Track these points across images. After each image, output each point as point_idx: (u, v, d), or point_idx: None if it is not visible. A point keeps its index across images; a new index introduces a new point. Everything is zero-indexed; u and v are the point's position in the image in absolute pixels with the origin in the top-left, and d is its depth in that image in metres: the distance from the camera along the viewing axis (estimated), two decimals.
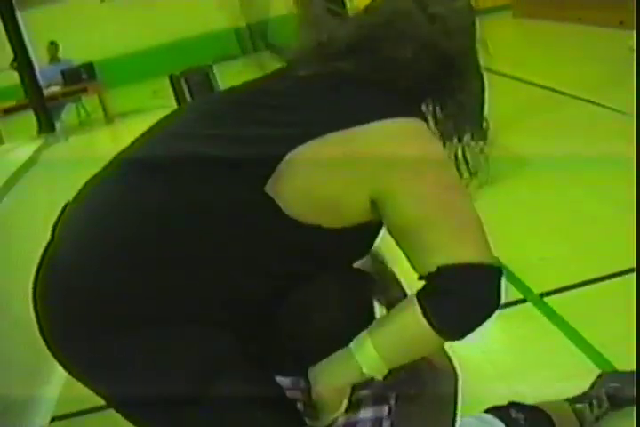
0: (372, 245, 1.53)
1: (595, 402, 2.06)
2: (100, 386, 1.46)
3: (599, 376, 2.17)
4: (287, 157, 1.34)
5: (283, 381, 1.51)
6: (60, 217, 1.52)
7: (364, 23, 1.51)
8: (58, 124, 9.13)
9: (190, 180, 1.40)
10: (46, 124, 7.90)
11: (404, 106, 1.44)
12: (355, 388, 1.50)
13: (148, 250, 1.39)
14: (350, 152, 1.36)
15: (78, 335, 1.42)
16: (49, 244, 1.50)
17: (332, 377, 1.45)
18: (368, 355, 1.41)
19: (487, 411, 1.96)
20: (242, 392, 1.41)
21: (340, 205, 1.39)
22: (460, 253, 1.38)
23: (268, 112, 1.44)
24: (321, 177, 1.36)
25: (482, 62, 1.57)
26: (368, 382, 1.52)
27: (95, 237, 1.42)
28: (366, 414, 1.53)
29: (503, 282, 1.41)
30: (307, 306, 1.50)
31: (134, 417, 1.48)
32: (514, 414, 1.93)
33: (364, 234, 1.47)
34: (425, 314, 1.37)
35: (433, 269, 1.38)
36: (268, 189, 1.35)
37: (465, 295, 1.38)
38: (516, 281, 2.97)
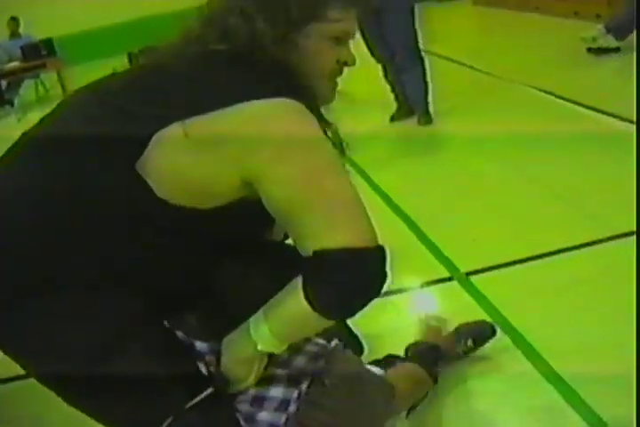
0: (266, 220, 1.48)
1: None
2: (10, 355, 1.49)
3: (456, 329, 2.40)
4: (155, 136, 1.34)
5: (202, 346, 1.56)
6: None
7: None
8: (15, 100, 9.07)
9: (67, 160, 1.41)
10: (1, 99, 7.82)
11: (276, 86, 1.40)
12: (273, 364, 1.57)
13: (43, 229, 1.41)
14: (217, 133, 1.35)
15: None
16: None
17: (233, 350, 1.51)
18: (262, 332, 1.46)
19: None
20: (146, 362, 1.45)
21: (210, 185, 1.38)
22: (334, 237, 1.37)
23: (142, 93, 1.44)
24: (190, 157, 1.35)
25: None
26: (287, 362, 1.59)
27: None
28: (276, 392, 1.59)
29: (384, 264, 1.42)
30: (225, 277, 1.56)
31: (49, 387, 1.51)
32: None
33: (247, 211, 1.43)
34: (306, 297, 1.40)
35: (309, 253, 1.39)
36: (139, 168, 1.35)
37: (340, 280, 1.39)
38: (444, 260, 3.04)
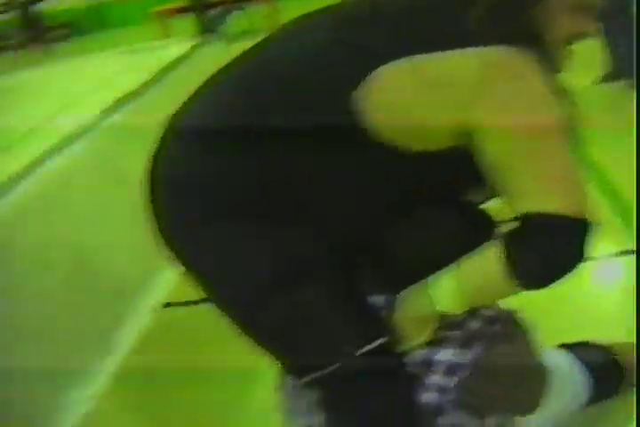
0: (470, 178, 1.45)
1: None
2: (194, 278, 1.51)
3: None
4: (380, 69, 1.32)
5: (377, 299, 1.55)
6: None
7: None
8: (220, 28, 9.23)
9: (273, 88, 1.41)
10: (207, 26, 7.97)
11: (510, 35, 1.34)
12: (445, 327, 1.53)
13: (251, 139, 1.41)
14: (445, 74, 1.31)
15: (180, 224, 1.48)
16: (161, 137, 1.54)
17: (410, 306, 1.50)
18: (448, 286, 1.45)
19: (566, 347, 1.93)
20: (327, 299, 1.45)
21: (426, 127, 1.35)
22: (548, 202, 1.34)
23: (365, 24, 1.41)
24: (411, 95, 1.33)
25: None
26: (460, 324, 1.54)
27: (196, 127, 1.46)
28: (446, 355, 1.54)
29: (589, 238, 1.37)
30: (414, 232, 1.52)
31: (226, 312, 1.52)
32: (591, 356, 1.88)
33: (459, 161, 1.40)
34: (507, 259, 1.37)
35: (521, 213, 1.36)
36: (354, 101, 1.33)
37: (545, 247, 1.36)
38: None
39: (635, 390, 1.91)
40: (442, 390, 1.52)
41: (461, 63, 1.31)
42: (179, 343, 2.77)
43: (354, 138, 1.36)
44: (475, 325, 1.56)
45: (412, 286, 1.50)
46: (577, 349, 1.92)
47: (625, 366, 1.94)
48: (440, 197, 1.50)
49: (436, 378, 1.52)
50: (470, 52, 1.31)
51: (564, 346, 1.94)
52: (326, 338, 1.46)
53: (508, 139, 1.32)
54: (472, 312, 1.55)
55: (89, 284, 2.75)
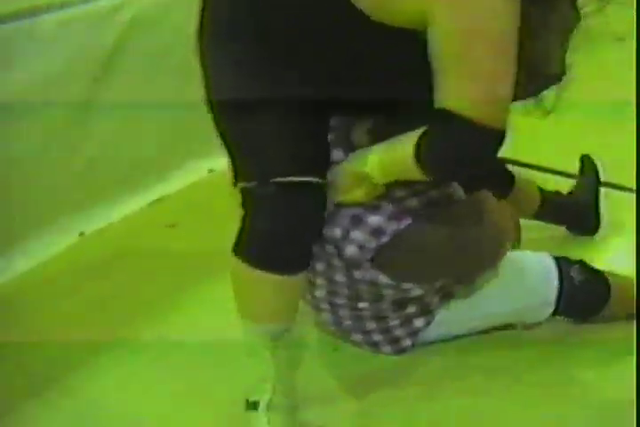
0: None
1: None
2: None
3: None
4: None
5: (337, 154, 1.70)
6: None
7: None
8: None
9: None
10: None
11: None
12: (385, 197, 1.70)
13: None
14: None
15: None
16: None
17: (350, 162, 1.65)
18: (373, 159, 1.59)
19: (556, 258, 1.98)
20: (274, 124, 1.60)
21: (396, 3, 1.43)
22: (470, 105, 1.41)
23: None
24: None
25: None
26: (398, 200, 1.72)
27: None
28: (375, 220, 1.70)
29: (497, 149, 1.48)
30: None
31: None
32: (573, 272, 1.93)
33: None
34: (417, 144, 1.49)
35: (442, 106, 1.43)
36: None
37: (450, 145, 1.48)
38: None
39: (634, 390, 1.94)
40: (362, 247, 1.71)
41: None
42: None
43: (350, 12, 1.46)
44: (412, 202, 1.73)
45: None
46: (564, 260, 1.97)
47: (615, 291, 1.97)
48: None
49: (359, 234, 1.70)
50: None
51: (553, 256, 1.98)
52: (265, 157, 1.60)
53: (450, 31, 1.39)
54: (417, 191, 1.73)
55: None
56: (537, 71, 1.51)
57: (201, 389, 1.85)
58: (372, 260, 1.72)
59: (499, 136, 1.45)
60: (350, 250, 1.71)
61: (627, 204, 2.42)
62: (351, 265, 1.75)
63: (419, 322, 1.89)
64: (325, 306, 1.88)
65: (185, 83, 2.02)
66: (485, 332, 1.99)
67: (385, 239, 1.69)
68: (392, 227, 1.69)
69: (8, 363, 1.93)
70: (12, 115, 2.16)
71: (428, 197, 1.75)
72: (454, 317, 1.91)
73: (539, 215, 2.31)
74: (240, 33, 1.59)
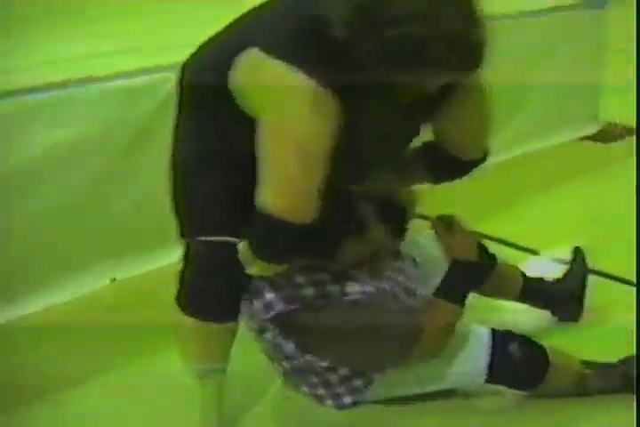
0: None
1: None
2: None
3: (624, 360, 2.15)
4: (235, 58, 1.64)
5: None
6: None
7: None
8: None
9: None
10: None
11: (318, 65, 1.56)
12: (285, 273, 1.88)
13: None
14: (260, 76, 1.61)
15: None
16: None
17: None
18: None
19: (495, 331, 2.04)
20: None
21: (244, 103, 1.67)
22: (270, 202, 1.62)
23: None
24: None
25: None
26: (288, 275, 1.90)
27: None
28: (269, 296, 1.91)
29: (295, 241, 1.67)
30: None
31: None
32: (512, 346, 2.00)
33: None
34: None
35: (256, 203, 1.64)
36: (230, 85, 1.66)
37: (258, 239, 1.70)
38: None
39: (634, 391, 2.03)
40: (258, 316, 1.93)
41: (274, 70, 1.57)
42: None
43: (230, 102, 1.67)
44: (308, 291, 1.91)
45: None
46: (505, 334, 2.04)
47: (554, 367, 2.03)
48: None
49: (257, 304, 1.92)
50: (290, 75, 1.55)
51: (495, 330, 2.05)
52: (192, 217, 1.84)
53: (262, 138, 1.60)
54: (315, 281, 1.91)
55: None
56: (359, 162, 1.73)
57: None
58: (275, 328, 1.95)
59: (297, 229, 1.63)
60: (257, 315, 1.95)
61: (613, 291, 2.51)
62: (262, 327, 1.99)
63: (357, 382, 2.03)
64: (275, 356, 2.08)
65: None
66: (433, 398, 2.09)
67: (272, 314, 1.90)
68: (279, 307, 1.89)
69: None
70: (59, 165, 2.53)
71: (325, 290, 1.91)
72: (389, 379, 2.02)
73: (522, 298, 2.41)
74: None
